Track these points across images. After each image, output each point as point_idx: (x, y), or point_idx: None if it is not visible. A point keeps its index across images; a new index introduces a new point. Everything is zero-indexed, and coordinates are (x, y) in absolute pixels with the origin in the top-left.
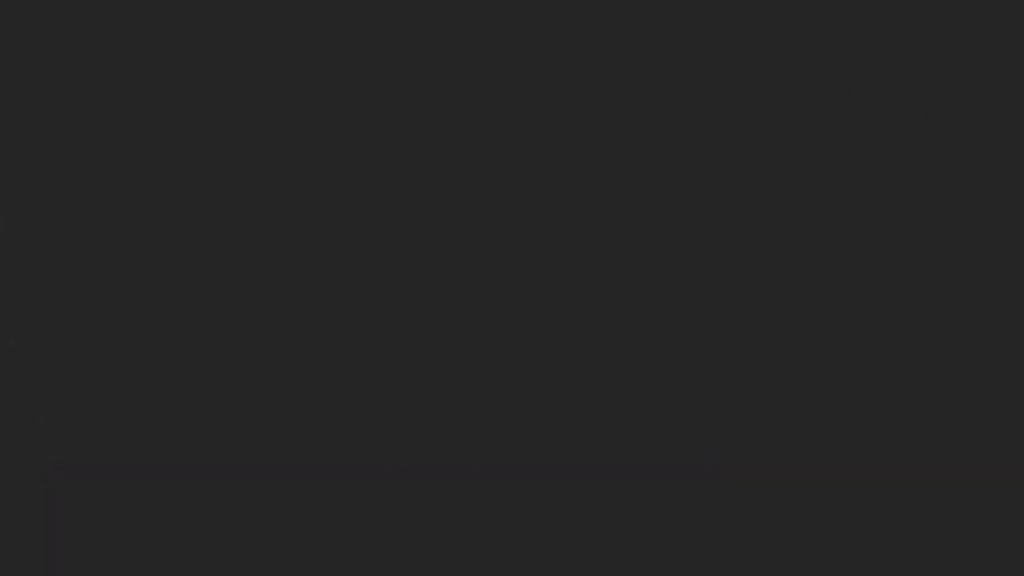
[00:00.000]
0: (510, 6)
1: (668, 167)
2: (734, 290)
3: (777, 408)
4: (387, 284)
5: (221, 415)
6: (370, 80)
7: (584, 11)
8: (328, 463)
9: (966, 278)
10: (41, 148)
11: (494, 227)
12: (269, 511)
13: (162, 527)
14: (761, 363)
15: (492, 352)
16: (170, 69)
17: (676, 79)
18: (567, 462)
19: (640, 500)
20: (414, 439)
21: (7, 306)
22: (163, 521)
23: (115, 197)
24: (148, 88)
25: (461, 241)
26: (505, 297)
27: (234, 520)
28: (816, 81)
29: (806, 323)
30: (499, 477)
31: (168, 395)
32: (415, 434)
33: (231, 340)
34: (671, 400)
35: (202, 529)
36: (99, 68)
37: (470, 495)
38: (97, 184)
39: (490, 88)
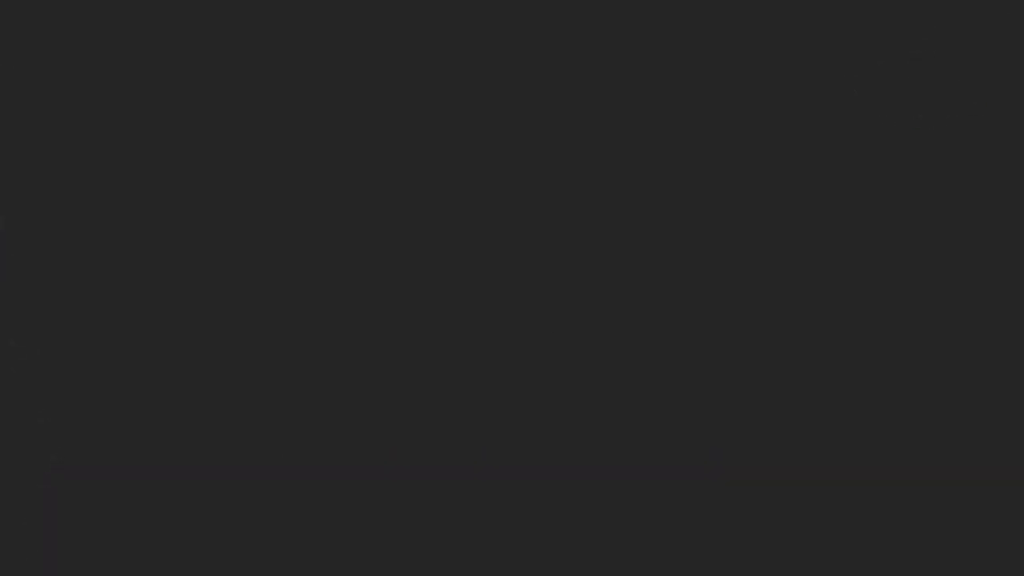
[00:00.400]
0: (510, 6)
1: (668, 167)
2: (734, 290)
3: (777, 408)
4: (387, 284)
5: (221, 415)
6: (370, 80)
7: (584, 11)
8: (328, 463)
9: (966, 278)
10: (41, 148)
11: (494, 227)
12: (269, 511)
13: (162, 527)
14: (761, 363)
15: (492, 352)
16: (170, 69)
17: (676, 79)
18: (567, 462)
19: (640, 500)
20: (414, 439)
21: (7, 306)
22: (163, 521)
23: (115, 197)
24: (148, 88)
25: (461, 241)
26: (505, 297)
27: (234, 520)
28: (816, 81)
29: (806, 323)
30: (499, 477)
31: (168, 395)
32: (415, 434)
33: (231, 340)
34: (671, 400)
35: (202, 529)
36: (99, 68)
37: (470, 495)
38: (97, 184)
39: (490, 88)
